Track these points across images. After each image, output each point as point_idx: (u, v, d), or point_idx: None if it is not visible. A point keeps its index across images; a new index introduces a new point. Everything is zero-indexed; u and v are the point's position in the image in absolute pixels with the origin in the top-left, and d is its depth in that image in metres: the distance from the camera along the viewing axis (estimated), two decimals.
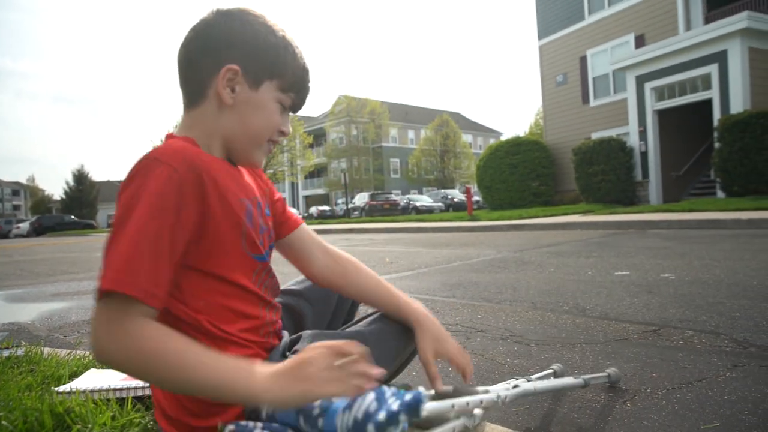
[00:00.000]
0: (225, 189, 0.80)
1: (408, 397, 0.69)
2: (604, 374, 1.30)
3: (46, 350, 1.68)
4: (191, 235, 0.77)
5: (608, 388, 1.32)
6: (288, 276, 1.16)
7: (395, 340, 1.01)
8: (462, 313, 2.36)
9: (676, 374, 1.40)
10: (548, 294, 2.70)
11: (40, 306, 3.34)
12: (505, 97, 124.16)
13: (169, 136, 0.86)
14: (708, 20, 12.21)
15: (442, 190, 27.83)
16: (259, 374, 0.70)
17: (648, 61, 11.56)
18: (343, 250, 1.09)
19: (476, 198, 20.91)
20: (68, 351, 1.66)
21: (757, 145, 9.14)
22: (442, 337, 0.99)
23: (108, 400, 1.10)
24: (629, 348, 1.67)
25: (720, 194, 10.26)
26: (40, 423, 0.96)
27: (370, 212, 21.78)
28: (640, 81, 11.87)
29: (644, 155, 11.96)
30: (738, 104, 9.96)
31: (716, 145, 9.91)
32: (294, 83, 0.88)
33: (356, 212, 23.13)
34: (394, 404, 0.68)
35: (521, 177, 14.66)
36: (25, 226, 31.65)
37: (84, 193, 42.27)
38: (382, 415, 0.67)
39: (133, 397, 1.13)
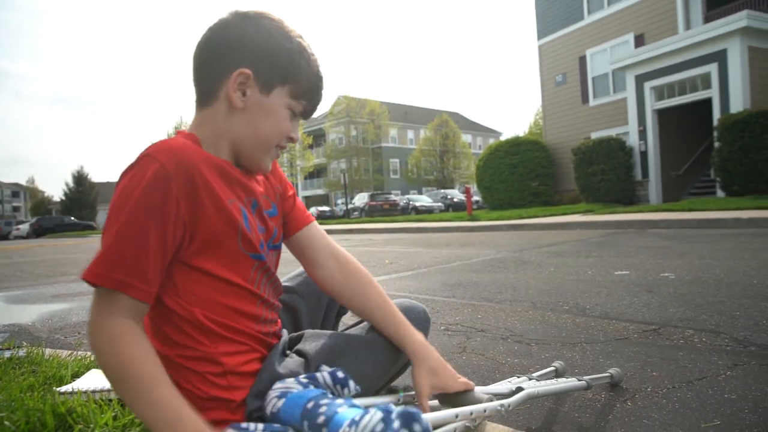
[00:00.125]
0: (217, 189, 0.81)
1: (417, 428, 0.67)
2: (607, 374, 1.31)
3: (48, 351, 1.68)
4: (182, 231, 0.78)
5: (609, 387, 1.32)
6: (285, 275, 1.16)
7: (394, 346, 1.01)
8: (462, 313, 2.37)
9: (677, 373, 1.40)
10: (548, 294, 2.70)
11: (40, 307, 3.34)
12: (505, 97, 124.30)
13: (179, 133, 0.87)
14: (707, 19, 12.21)
15: (442, 190, 27.83)
16: (186, 427, 0.71)
17: (647, 61, 11.57)
18: (353, 258, 1.06)
19: (476, 198, 20.92)
20: (69, 352, 1.66)
21: (756, 144, 9.14)
22: (439, 369, 0.95)
23: (110, 400, 1.11)
24: (629, 347, 1.67)
25: (720, 193, 10.26)
26: (42, 423, 0.96)
27: (370, 212, 21.78)
28: (640, 80, 11.88)
29: (644, 155, 11.96)
30: (738, 103, 9.97)
31: (716, 144, 9.91)
32: (306, 90, 0.88)
33: (356, 213, 23.14)
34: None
35: (521, 177, 14.66)
36: (25, 228, 31.64)
37: (83, 194, 42.28)
38: None
39: None
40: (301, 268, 1.13)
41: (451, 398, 0.94)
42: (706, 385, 1.30)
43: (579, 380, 1.19)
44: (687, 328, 1.86)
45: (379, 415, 0.69)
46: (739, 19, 9.79)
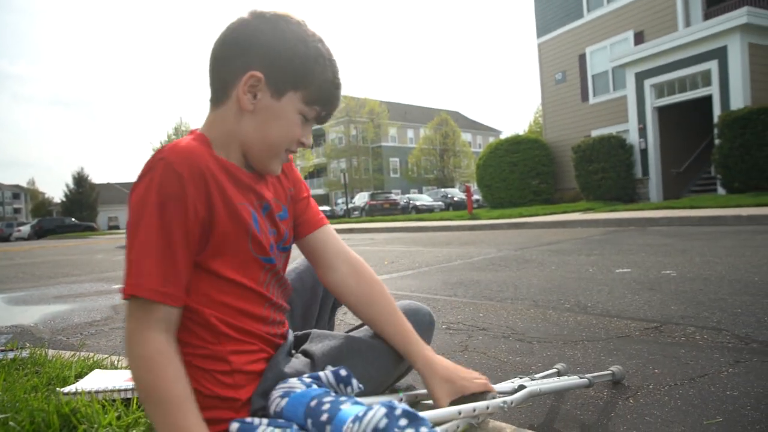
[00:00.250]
0: (228, 191, 0.81)
1: (423, 430, 0.67)
2: (608, 372, 1.31)
3: (51, 352, 1.68)
4: (201, 230, 0.79)
5: (611, 385, 1.33)
6: None
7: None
8: (464, 312, 2.37)
9: (679, 370, 1.40)
10: (549, 292, 2.71)
11: (42, 308, 3.35)
12: (505, 96, 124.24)
13: (191, 132, 0.87)
14: (707, 16, 12.19)
15: (442, 189, 27.81)
16: None
17: (647, 58, 11.55)
18: (366, 263, 1.05)
19: (476, 197, 20.89)
20: (72, 353, 1.66)
21: (757, 141, 9.13)
22: (452, 376, 0.95)
23: (113, 400, 1.11)
24: (631, 345, 1.67)
25: (720, 191, 10.26)
26: (47, 423, 0.97)
27: (370, 212, 21.77)
28: (640, 78, 11.87)
29: (644, 152, 11.95)
30: (738, 100, 9.95)
31: (716, 141, 9.90)
32: (320, 97, 0.86)
33: (356, 212, 23.13)
34: (408, 430, 0.66)
35: (521, 175, 14.65)
36: (25, 229, 31.68)
37: (84, 195, 42.28)
38: None
39: (138, 398, 1.14)
40: (293, 264, 1.13)
41: (465, 398, 0.94)
42: (708, 382, 1.30)
43: (581, 378, 1.19)
44: (689, 325, 1.86)
45: (383, 410, 0.69)
46: (739, 16, 9.77)
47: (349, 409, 0.73)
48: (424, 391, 1.02)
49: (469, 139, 46.99)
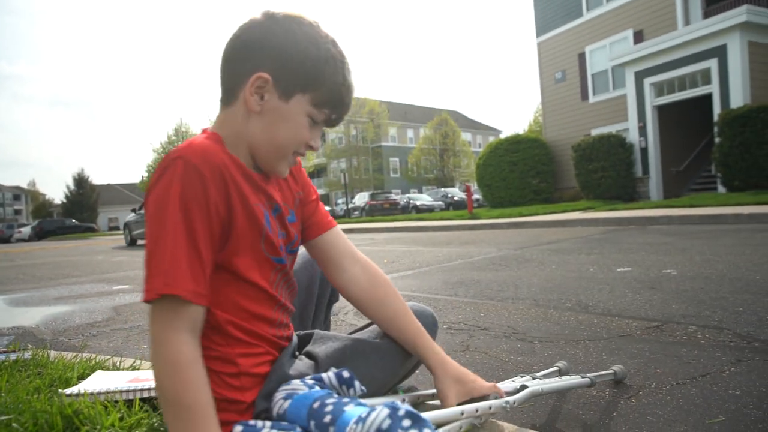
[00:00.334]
0: (244, 190, 0.82)
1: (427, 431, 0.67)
2: (610, 371, 1.31)
3: (53, 353, 1.68)
4: (221, 230, 0.79)
5: (613, 384, 1.33)
6: None
7: (403, 351, 1.01)
8: (464, 312, 2.37)
9: (680, 370, 1.40)
10: (550, 291, 2.71)
11: (43, 310, 3.35)
12: (504, 95, 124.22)
13: (203, 131, 0.87)
14: (707, 15, 12.18)
15: (442, 189, 27.80)
16: None
17: (647, 57, 11.55)
18: (376, 265, 1.04)
19: (476, 196, 20.89)
20: (74, 354, 1.66)
21: (757, 139, 9.13)
22: (462, 377, 0.96)
23: (116, 401, 1.11)
24: (632, 344, 1.67)
25: (721, 189, 10.25)
26: (50, 425, 0.97)
27: (371, 212, 21.76)
28: (639, 77, 11.86)
29: (644, 151, 11.95)
30: (738, 99, 9.95)
31: (716, 140, 9.90)
32: (329, 100, 0.85)
33: (356, 212, 23.12)
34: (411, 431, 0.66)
35: (521, 174, 14.65)
36: (26, 231, 31.71)
37: (84, 196, 42.30)
38: None
39: (141, 399, 1.14)
40: None
41: (472, 400, 0.95)
42: (710, 381, 1.30)
43: (582, 377, 1.19)
44: (690, 324, 1.86)
45: (386, 411, 0.69)
46: (739, 14, 9.77)
47: (352, 410, 0.73)
48: (426, 391, 1.02)
49: (469, 139, 46.99)
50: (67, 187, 42.69)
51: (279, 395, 0.82)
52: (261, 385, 0.84)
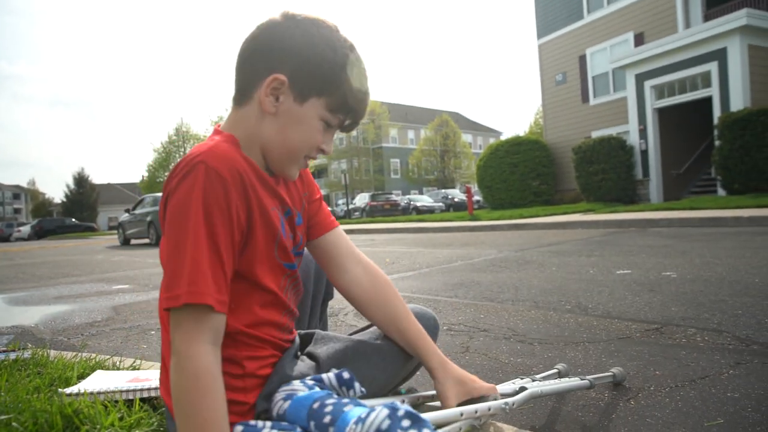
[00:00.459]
0: (262, 195, 0.81)
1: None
2: (609, 374, 1.31)
3: (52, 353, 1.68)
4: (241, 236, 0.78)
5: (612, 387, 1.33)
6: None
7: (404, 352, 1.01)
8: (465, 313, 2.37)
9: (679, 372, 1.40)
10: (550, 293, 2.71)
11: (43, 309, 3.35)
12: (505, 97, 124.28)
13: (217, 131, 0.86)
14: (707, 18, 12.20)
15: (443, 190, 27.81)
16: None
17: (647, 60, 11.56)
18: (377, 266, 1.04)
19: (477, 198, 20.90)
20: (74, 353, 1.67)
21: (757, 142, 9.14)
22: (463, 378, 0.96)
23: (116, 401, 1.11)
24: (632, 346, 1.67)
25: (721, 192, 10.26)
26: (50, 424, 0.97)
27: (371, 213, 21.76)
28: (640, 79, 11.87)
29: (644, 153, 11.95)
30: (738, 102, 9.96)
31: (716, 142, 9.91)
32: (344, 105, 0.84)
33: (357, 213, 23.12)
34: None
35: (522, 176, 14.66)
36: (26, 230, 31.72)
37: (84, 196, 42.33)
38: None
39: (141, 399, 1.14)
40: None
41: (472, 401, 0.95)
42: (709, 383, 1.31)
43: (582, 380, 1.19)
44: (689, 326, 1.86)
45: (386, 412, 0.69)
46: (739, 18, 9.78)
47: (351, 411, 0.73)
48: (426, 393, 1.03)
49: (470, 140, 47.01)
50: (67, 186, 42.76)
51: (279, 396, 0.82)
52: (263, 386, 0.84)
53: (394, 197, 24.25)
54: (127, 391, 1.16)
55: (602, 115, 14.60)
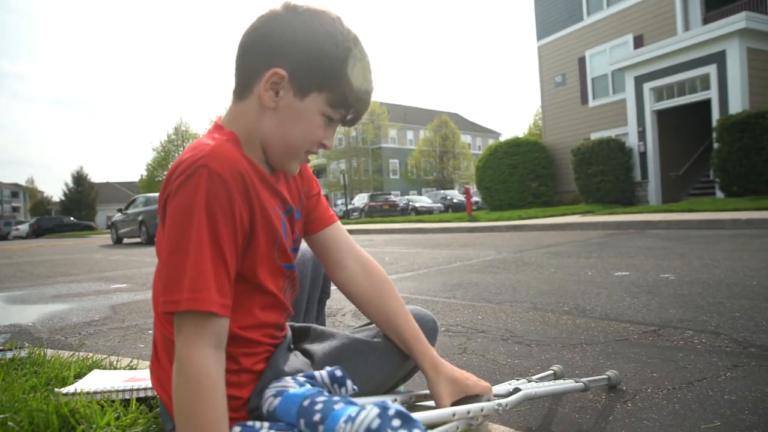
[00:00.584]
0: (263, 197, 0.81)
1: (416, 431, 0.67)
2: (605, 377, 1.31)
3: (49, 352, 1.68)
4: (243, 239, 0.78)
5: (609, 389, 1.33)
6: None
7: (402, 352, 1.01)
8: (462, 314, 2.37)
9: (677, 374, 1.40)
10: (548, 294, 2.71)
11: (40, 308, 3.34)
12: (504, 98, 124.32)
13: (218, 126, 0.84)
14: (706, 21, 12.23)
15: (442, 191, 27.83)
16: None
17: (647, 62, 11.58)
18: (376, 262, 1.04)
19: (475, 199, 20.91)
20: (71, 353, 1.66)
21: (755, 145, 9.16)
22: (456, 377, 0.96)
23: (112, 401, 1.11)
24: (629, 348, 1.68)
25: (719, 194, 10.27)
26: (46, 424, 0.97)
27: (370, 213, 21.76)
28: (639, 81, 11.89)
29: (643, 155, 11.97)
30: (737, 104, 9.98)
31: (715, 145, 9.92)
32: (346, 100, 0.82)
33: (355, 213, 23.12)
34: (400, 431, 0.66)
35: (520, 177, 14.67)
36: (24, 228, 31.65)
37: (83, 194, 42.26)
38: None
39: (137, 398, 1.14)
40: None
41: (464, 400, 0.95)
42: (706, 386, 1.31)
43: (576, 382, 1.19)
44: (687, 329, 1.86)
45: (376, 411, 0.68)
46: (738, 21, 9.80)
47: (341, 409, 0.73)
48: (420, 392, 1.02)
49: (469, 141, 47.02)
50: (66, 184, 42.67)
51: (269, 392, 0.81)
52: (257, 381, 0.84)
53: (392, 198, 24.25)
54: (124, 390, 1.16)
55: (601, 117, 14.61)
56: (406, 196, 27.60)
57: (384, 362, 0.98)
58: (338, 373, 0.85)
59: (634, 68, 11.91)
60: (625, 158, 12.06)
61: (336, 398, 0.77)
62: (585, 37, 15.09)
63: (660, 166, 11.92)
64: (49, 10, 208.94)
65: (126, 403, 1.12)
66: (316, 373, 0.85)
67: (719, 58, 10.28)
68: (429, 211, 22.02)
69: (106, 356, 1.58)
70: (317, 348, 0.94)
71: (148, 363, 1.54)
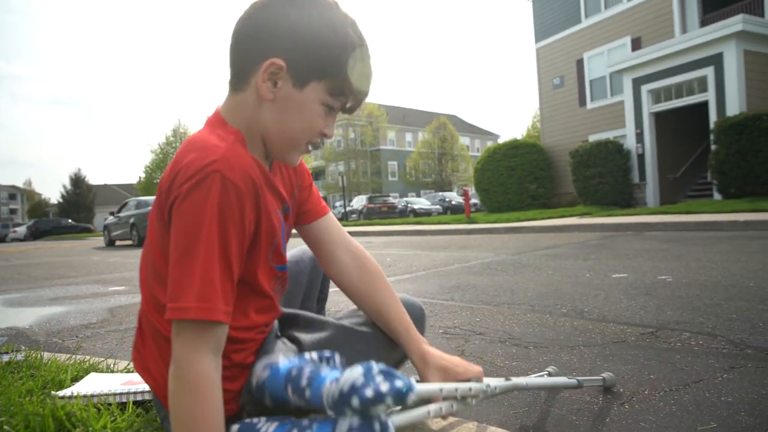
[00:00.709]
0: (268, 202, 0.81)
1: (399, 383, 0.68)
2: (599, 377, 1.31)
3: (46, 355, 1.68)
4: (249, 242, 0.78)
5: (606, 391, 1.33)
6: None
7: (390, 340, 1.01)
8: (460, 316, 2.37)
9: (674, 376, 1.41)
10: (546, 296, 2.71)
11: (38, 310, 3.33)
12: (503, 100, 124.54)
13: (221, 122, 0.81)
14: (704, 23, 12.28)
15: (440, 193, 27.87)
16: None
17: (644, 64, 11.62)
18: (367, 252, 1.04)
19: (474, 201, 20.93)
20: (68, 356, 1.66)
21: (753, 147, 9.19)
22: (447, 366, 0.95)
23: (108, 404, 1.11)
24: (627, 350, 1.68)
25: (717, 196, 10.30)
26: (42, 427, 0.96)
27: (368, 215, 21.77)
28: (637, 83, 11.93)
29: (641, 157, 12.00)
30: (734, 106, 10.01)
31: (713, 147, 9.95)
32: (346, 88, 0.80)
33: (354, 215, 23.12)
34: (383, 385, 0.68)
35: (519, 179, 14.69)
36: (22, 230, 31.59)
37: (81, 196, 42.16)
38: (369, 392, 0.67)
39: (134, 401, 1.14)
40: None
41: None
42: (703, 387, 1.31)
43: (569, 378, 1.20)
44: (684, 330, 1.87)
45: (360, 370, 0.70)
46: (735, 23, 9.85)
47: (328, 373, 0.75)
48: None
49: (468, 143, 47.09)
50: (64, 186, 42.56)
51: (259, 365, 0.83)
52: (247, 373, 0.85)
53: (391, 200, 24.27)
54: (121, 393, 1.16)
55: (599, 119, 14.65)
56: (405, 198, 27.60)
57: (372, 352, 0.97)
58: (327, 353, 0.85)
59: (632, 70, 11.95)
60: (623, 160, 12.09)
61: (324, 366, 0.78)
62: (583, 39, 15.14)
63: (658, 168, 11.95)
64: (48, 10, 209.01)
65: (123, 406, 1.12)
66: (306, 355, 0.85)
67: (716, 61, 10.33)
68: (427, 213, 22.03)
69: (103, 359, 1.58)
70: (305, 336, 0.93)
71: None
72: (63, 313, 3.14)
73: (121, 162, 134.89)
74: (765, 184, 9.18)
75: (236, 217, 0.72)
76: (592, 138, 14.15)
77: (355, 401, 0.67)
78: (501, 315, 2.34)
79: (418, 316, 1.07)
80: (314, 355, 0.85)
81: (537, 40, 16.63)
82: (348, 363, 0.91)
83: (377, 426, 0.67)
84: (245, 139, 0.80)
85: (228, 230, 0.71)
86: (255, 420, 0.78)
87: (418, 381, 0.98)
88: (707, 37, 10.29)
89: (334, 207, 29.98)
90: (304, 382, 0.75)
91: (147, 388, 1.17)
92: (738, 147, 9.38)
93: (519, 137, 20.53)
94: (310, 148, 0.85)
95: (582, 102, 15.21)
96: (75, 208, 41.15)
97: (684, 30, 12.50)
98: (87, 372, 1.42)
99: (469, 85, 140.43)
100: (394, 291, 1.03)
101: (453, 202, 24.18)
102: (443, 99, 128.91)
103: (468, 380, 0.94)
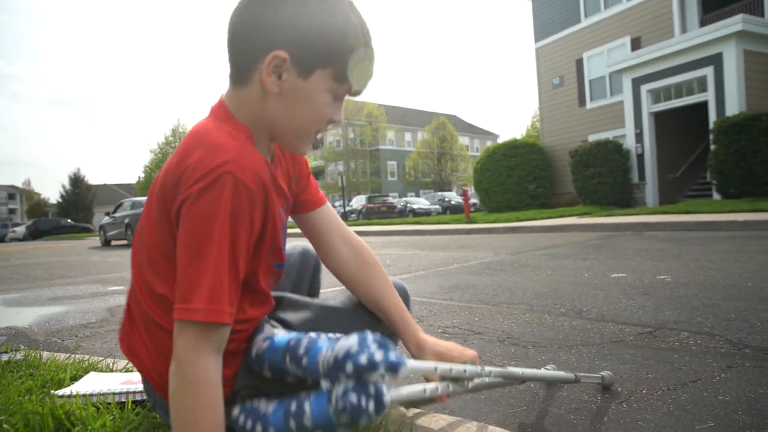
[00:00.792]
0: (274, 201, 0.80)
1: (392, 355, 0.70)
2: (598, 376, 1.32)
3: (45, 354, 1.68)
4: (256, 242, 0.78)
5: (604, 390, 1.33)
6: None
7: (374, 318, 1.01)
8: (459, 316, 2.37)
9: (672, 375, 1.41)
10: (545, 296, 2.72)
11: (37, 310, 3.33)
12: (502, 100, 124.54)
13: (229, 117, 0.79)
14: (703, 23, 12.29)
15: (440, 193, 27.86)
16: None
17: (644, 64, 11.62)
18: (363, 242, 1.05)
19: (473, 200, 20.93)
20: (67, 355, 1.66)
21: (752, 147, 9.19)
22: (444, 351, 0.97)
23: (108, 403, 1.11)
24: (625, 349, 1.68)
25: (716, 196, 10.31)
26: (41, 426, 0.97)
27: (368, 215, 21.76)
28: (636, 83, 11.93)
29: (641, 157, 12.01)
30: (733, 106, 10.02)
31: (712, 147, 9.96)
32: (352, 72, 0.78)
33: (353, 215, 23.12)
34: (378, 353, 0.70)
35: (518, 179, 14.70)
36: (21, 230, 31.57)
37: (80, 196, 42.14)
38: (363, 359, 0.69)
39: (133, 401, 1.14)
40: None
41: None
42: (701, 387, 1.31)
43: (567, 373, 1.21)
44: (682, 330, 1.87)
45: (356, 338, 0.72)
46: (735, 23, 9.85)
47: (325, 342, 0.77)
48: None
49: (467, 143, 47.08)
50: (63, 186, 42.54)
51: (259, 338, 0.85)
52: (239, 358, 0.85)
53: (390, 199, 24.27)
54: (120, 393, 1.16)
55: (599, 119, 14.66)
56: (404, 198, 27.61)
57: (356, 329, 0.99)
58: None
59: (631, 70, 11.95)
60: (622, 160, 12.10)
61: (322, 337, 0.80)
62: (582, 39, 15.14)
63: (657, 167, 11.95)
64: (48, 10, 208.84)
65: (122, 405, 1.12)
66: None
67: (716, 60, 10.33)
68: (427, 213, 22.03)
69: (102, 358, 1.58)
70: (292, 316, 0.94)
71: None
72: (62, 313, 3.14)
73: (120, 162, 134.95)
74: (764, 184, 9.19)
75: (246, 220, 0.72)
76: (592, 138, 14.16)
77: (350, 367, 0.69)
78: (500, 315, 2.34)
79: (404, 297, 1.08)
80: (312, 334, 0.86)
81: (536, 39, 16.64)
82: None
83: (372, 389, 0.69)
84: (253, 137, 0.79)
85: (238, 233, 0.72)
86: (256, 403, 0.80)
87: None
88: (707, 37, 10.29)
89: (333, 207, 29.95)
90: (301, 351, 0.77)
91: None
92: (737, 147, 9.39)
93: (518, 137, 20.55)
94: (319, 136, 0.85)
95: (581, 102, 15.21)
96: (74, 208, 41.13)
97: (684, 30, 12.50)
98: (86, 371, 1.42)
99: (469, 85, 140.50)
100: (390, 280, 1.04)
101: (452, 202, 24.17)
102: (443, 99, 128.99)
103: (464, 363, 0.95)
